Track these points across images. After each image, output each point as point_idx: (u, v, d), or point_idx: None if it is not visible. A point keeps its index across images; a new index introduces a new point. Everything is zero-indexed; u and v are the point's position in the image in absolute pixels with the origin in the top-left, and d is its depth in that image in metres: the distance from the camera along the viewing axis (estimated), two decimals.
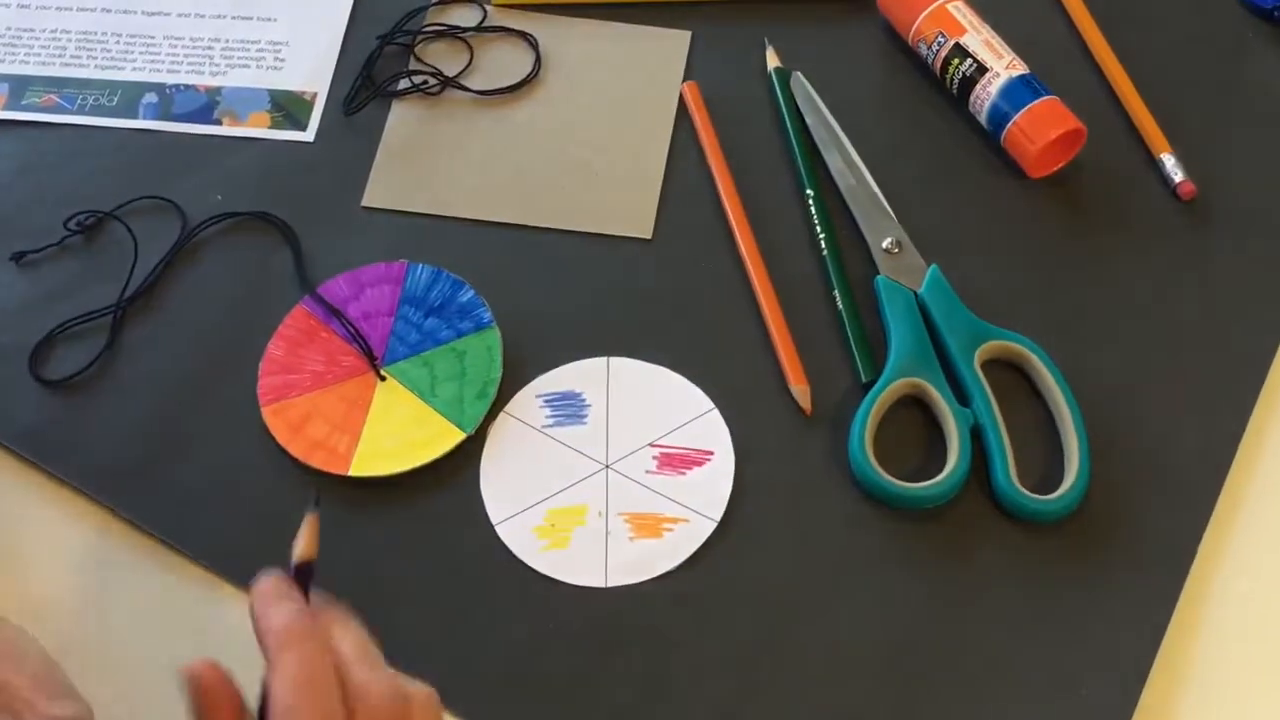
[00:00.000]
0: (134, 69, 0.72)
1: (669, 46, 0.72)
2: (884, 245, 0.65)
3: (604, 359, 0.63)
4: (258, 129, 0.70)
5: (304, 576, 0.46)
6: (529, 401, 0.61)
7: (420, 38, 0.73)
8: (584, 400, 0.62)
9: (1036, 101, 0.66)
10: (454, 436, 0.60)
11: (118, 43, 0.73)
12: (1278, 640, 0.57)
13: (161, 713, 0.51)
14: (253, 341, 0.63)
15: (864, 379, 0.61)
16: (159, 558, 0.59)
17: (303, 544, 0.46)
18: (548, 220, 0.67)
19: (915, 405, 0.61)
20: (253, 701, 0.43)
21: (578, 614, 0.57)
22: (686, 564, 0.58)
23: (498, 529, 0.58)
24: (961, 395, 0.61)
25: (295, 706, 0.42)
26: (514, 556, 0.58)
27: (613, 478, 0.60)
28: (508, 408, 0.61)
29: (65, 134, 0.70)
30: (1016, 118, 0.66)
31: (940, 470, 0.59)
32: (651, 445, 0.60)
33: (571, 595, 0.57)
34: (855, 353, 0.62)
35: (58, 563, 0.59)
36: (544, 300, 0.65)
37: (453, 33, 0.73)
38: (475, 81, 0.72)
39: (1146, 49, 0.71)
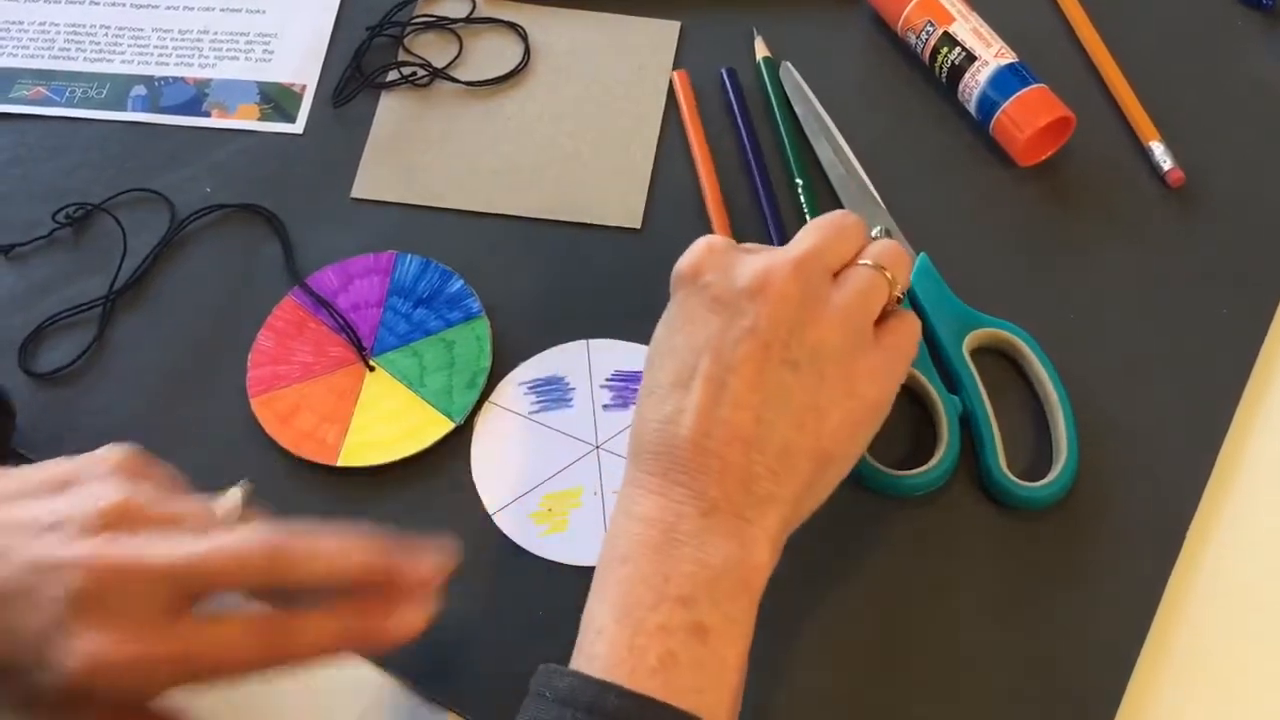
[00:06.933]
0: (122, 61, 0.72)
1: (658, 36, 0.72)
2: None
3: (583, 341, 0.62)
4: (247, 121, 0.70)
5: None
6: (513, 389, 0.61)
7: (409, 29, 0.73)
8: (568, 384, 0.62)
9: (1025, 90, 0.66)
10: (443, 426, 0.60)
11: (106, 35, 0.73)
12: (1265, 628, 0.57)
13: None
14: (242, 333, 0.63)
15: None
16: None
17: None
18: (537, 210, 0.67)
19: (904, 393, 0.61)
20: None
21: (581, 595, 0.56)
22: None
23: (494, 517, 0.58)
24: (951, 383, 0.60)
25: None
26: (512, 543, 0.58)
27: (604, 457, 0.60)
28: (493, 397, 0.61)
29: (53, 126, 0.70)
30: (1005, 106, 0.66)
31: (930, 458, 0.59)
32: None
33: (574, 576, 0.57)
34: None
35: None
36: (533, 290, 0.65)
37: (442, 24, 0.73)
38: (464, 72, 0.71)
39: (1135, 36, 0.71)
